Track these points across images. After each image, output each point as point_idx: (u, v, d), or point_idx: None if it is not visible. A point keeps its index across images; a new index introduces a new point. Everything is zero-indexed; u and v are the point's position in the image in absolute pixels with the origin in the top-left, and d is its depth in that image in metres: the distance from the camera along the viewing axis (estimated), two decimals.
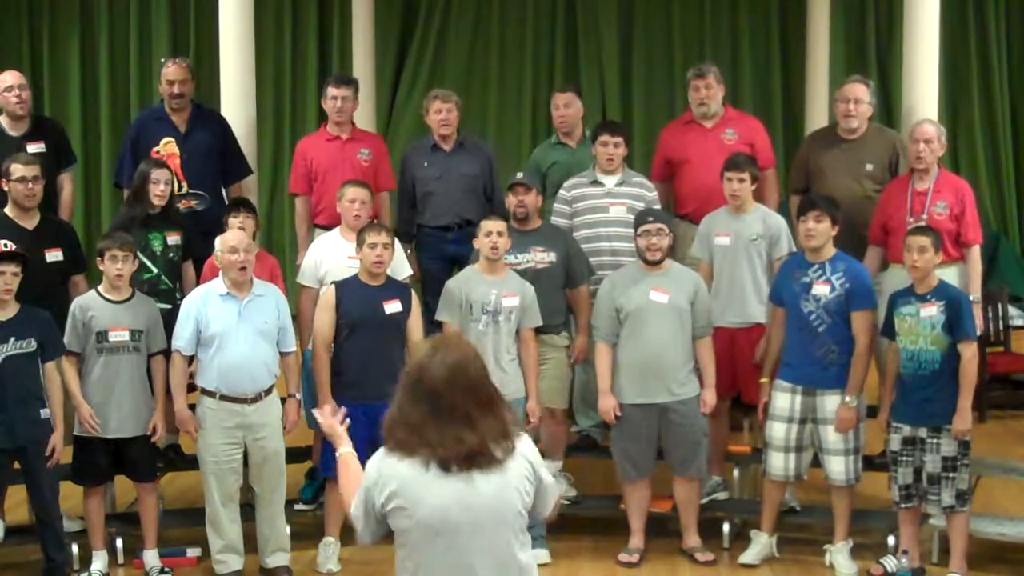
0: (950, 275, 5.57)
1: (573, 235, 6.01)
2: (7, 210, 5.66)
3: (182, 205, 6.13)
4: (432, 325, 5.69)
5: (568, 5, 11.31)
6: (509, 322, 5.55)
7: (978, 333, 5.41)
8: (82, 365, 5.30)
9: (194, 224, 6.04)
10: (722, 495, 5.97)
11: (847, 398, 5.32)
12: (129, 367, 5.31)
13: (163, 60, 6.63)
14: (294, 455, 5.66)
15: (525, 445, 3.02)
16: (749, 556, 5.53)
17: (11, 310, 5.11)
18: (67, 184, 6.42)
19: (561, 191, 6.19)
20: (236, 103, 6.83)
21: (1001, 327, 7.92)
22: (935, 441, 5.14)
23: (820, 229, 5.35)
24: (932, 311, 5.13)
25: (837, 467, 5.38)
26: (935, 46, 6.80)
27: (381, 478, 2.95)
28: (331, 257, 5.75)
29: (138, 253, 5.48)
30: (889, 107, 10.26)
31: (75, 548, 5.47)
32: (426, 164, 6.40)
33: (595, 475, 6.22)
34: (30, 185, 5.58)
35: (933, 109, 6.64)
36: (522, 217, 5.80)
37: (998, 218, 11.13)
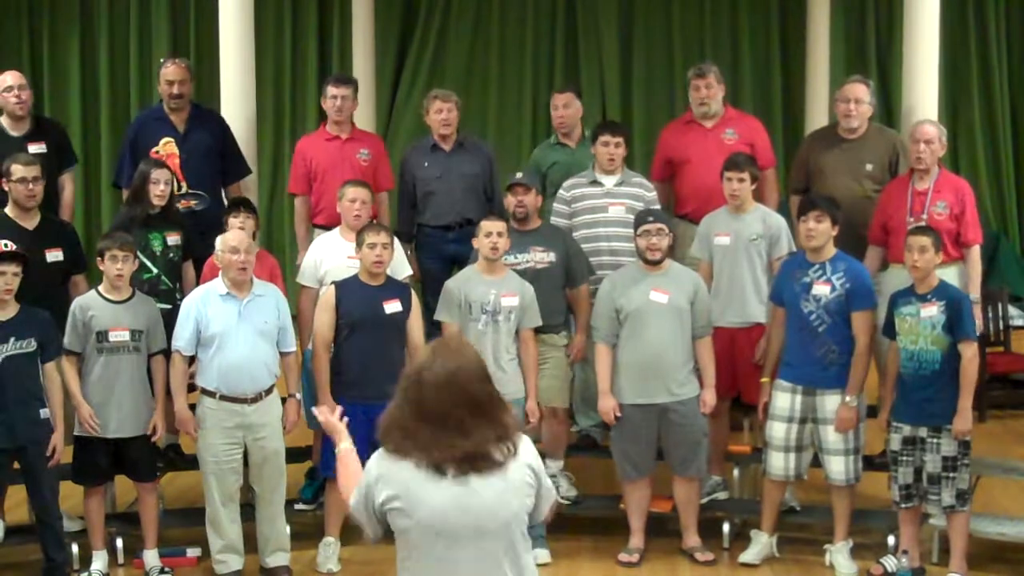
0: (950, 275, 5.57)
1: (572, 235, 6.01)
2: (7, 210, 5.66)
3: (181, 205, 6.13)
4: (432, 325, 5.69)
5: (568, 5, 11.32)
6: (508, 322, 5.56)
7: (977, 333, 5.41)
8: (82, 365, 5.30)
9: (193, 224, 6.04)
10: (722, 495, 5.97)
11: (847, 398, 5.32)
12: (129, 367, 5.31)
13: (162, 60, 6.63)
14: (294, 455, 5.67)
15: (527, 449, 3.01)
16: (749, 556, 5.54)
17: (11, 310, 5.11)
18: (68, 185, 6.42)
19: (560, 191, 6.19)
20: (236, 103, 6.83)
21: (1001, 327, 7.92)
22: (935, 441, 5.14)
23: (820, 229, 5.35)
24: (933, 311, 5.13)
25: (837, 467, 5.38)
26: (935, 46, 6.80)
27: (381, 478, 2.95)
28: (331, 257, 5.75)
29: (138, 253, 5.48)
30: (889, 107, 10.26)
31: (75, 548, 5.47)
32: (426, 164, 6.40)
33: (595, 475, 6.21)
34: (30, 186, 5.58)
35: (933, 109, 6.64)
36: (522, 217, 5.80)
37: (998, 218, 11.13)
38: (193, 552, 5.64)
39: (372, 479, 2.98)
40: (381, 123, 10.58)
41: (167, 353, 5.36)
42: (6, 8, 11.25)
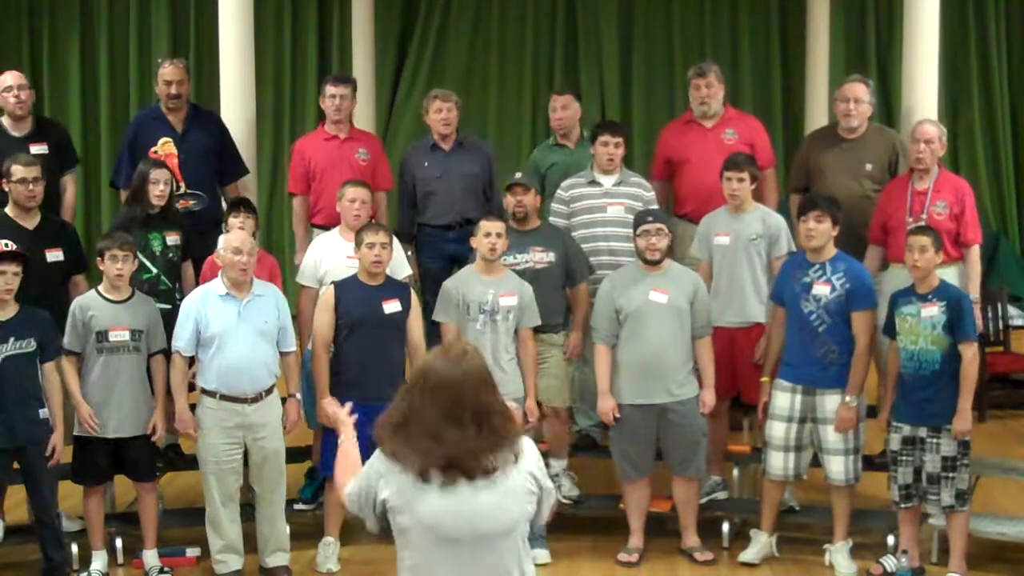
0: (950, 275, 5.57)
1: (571, 235, 6.01)
2: (7, 210, 5.66)
3: (180, 205, 6.13)
4: (432, 325, 5.69)
5: (568, 5, 11.32)
6: (507, 322, 5.56)
7: (977, 333, 5.41)
8: (82, 365, 5.30)
9: (192, 224, 6.04)
10: (721, 495, 5.97)
11: (847, 398, 5.32)
12: (129, 367, 5.31)
13: (159, 60, 6.63)
14: (294, 455, 5.66)
15: (529, 455, 3.00)
16: (749, 555, 5.54)
17: (11, 310, 5.11)
18: (70, 186, 6.42)
19: (559, 191, 6.19)
20: (236, 103, 6.83)
21: (1001, 327, 7.92)
22: (935, 441, 5.14)
23: (821, 229, 5.35)
24: (933, 311, 5.13)
25: (837, 467, 5.38)
26: (935, 46, 6.80)
27: (383, 476, 2.95)
28: (330, 257, 5.75)
29: (138, 253, 5.48)
30: (889, 107, 10.26)
31: (75, 548, 5.47)
32: (426, 164, 6.40)
33: (594, 475, 6.21)
34: (31, 187, 5.58)
35: (933, 109, 6.64)
36: (521, 217, 5.81)
37: (998, 218, 11.13)
38: (193, 552, 5.64)
39: (375, 475, 2.97)
40: (381, 123, 10.58)
41: (167, 353, 5.36)
42: (6, 8, 11.26)
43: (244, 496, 5.49)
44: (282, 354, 5.36)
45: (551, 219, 6.14)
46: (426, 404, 2.90)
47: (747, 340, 5.81)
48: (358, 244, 5.41)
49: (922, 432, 5.17)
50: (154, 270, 5.76)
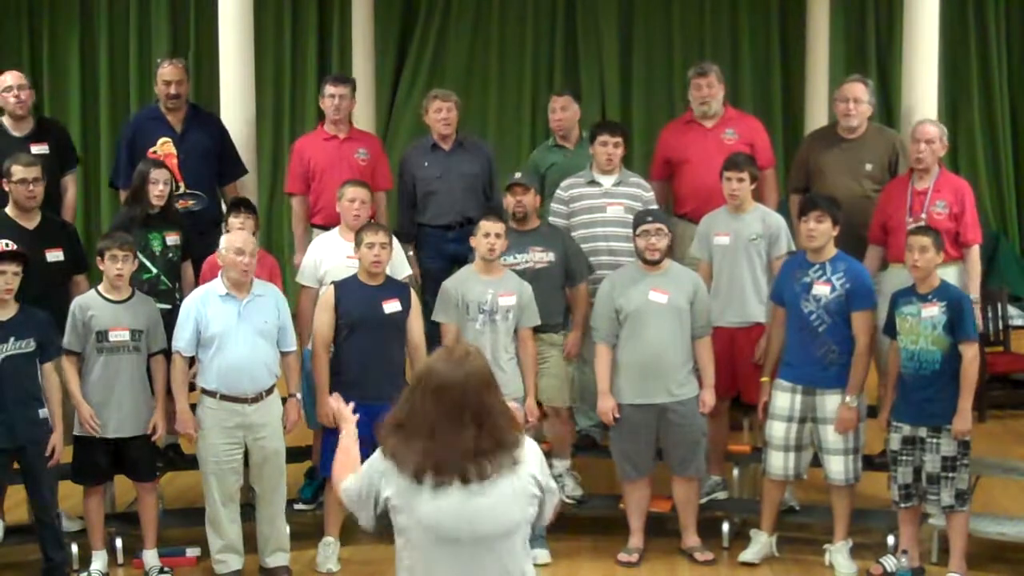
0: (950, 275, 5.57)
1: (571, 235, 6.01)
2: (8, 210, 5.66)
3: (179, 205, 6.12)
4: (432, 325, 5.69)
5: (568, 5, 11.32)
6: (507, 321, 5.56)
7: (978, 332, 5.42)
8: (82, 365, 5.30)
9: (191, 224, 6.04)
10: (721, 495, 5.97)
11: (847, 398, 5.32)
12: (129, 367, 5.30)
13: (159, 60, 6.62)
14: (294, 455, 5.66)
15: (532, 458, 3.00)
16: (749, 555, 5.54)
17: (11, 310, 5.11)
18: (70, 186, 6.42)
19: (558, 191, 6.18)
20: (236, 103, 6.84)
21: (1001, 327, 7.92)
22: (935, 441, 5.14)
23: (821, 229, 5.35)
24: (934, 311, 5.13)
25: (837, 467, 5.38)
26: (935, 46, 6.80)
27: (384, 474, 2.95)
28: (330, 257, 5.75)
29: (137, 253, 5.48)
30: (889, 107, 10.26)
31: (75, 548, 5.47)
32: (426, 164, 6.40)
33: (594, 475, 6.20)
34: (31, 187, 5.58)
35: (933, 109, 6.64)
36: (521, 217, 5.81)
37: (998, 218, 11.13)
38: (193, 552, 5.64)
39: (376, 473, 2.97)
40: (381, 123, 10.59)
41: (167, 353, 5.36)
42: (6, 8, 11.26)
43: (244, 496, 5.49)
44: (282, 354, 5.36)
45: (550, 219, 6.14)
46: (428, 405, 2.90)
47: (747, 340, 5.81)
48: (358, 244, 5.41)
49: (922, 432, 5.17)
50: (154, 270, 5.76)
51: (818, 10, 10.03)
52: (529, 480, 2.97)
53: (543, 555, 5.46)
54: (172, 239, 5.81)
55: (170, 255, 5.82)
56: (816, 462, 5.52)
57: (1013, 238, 11.08)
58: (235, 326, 5.19)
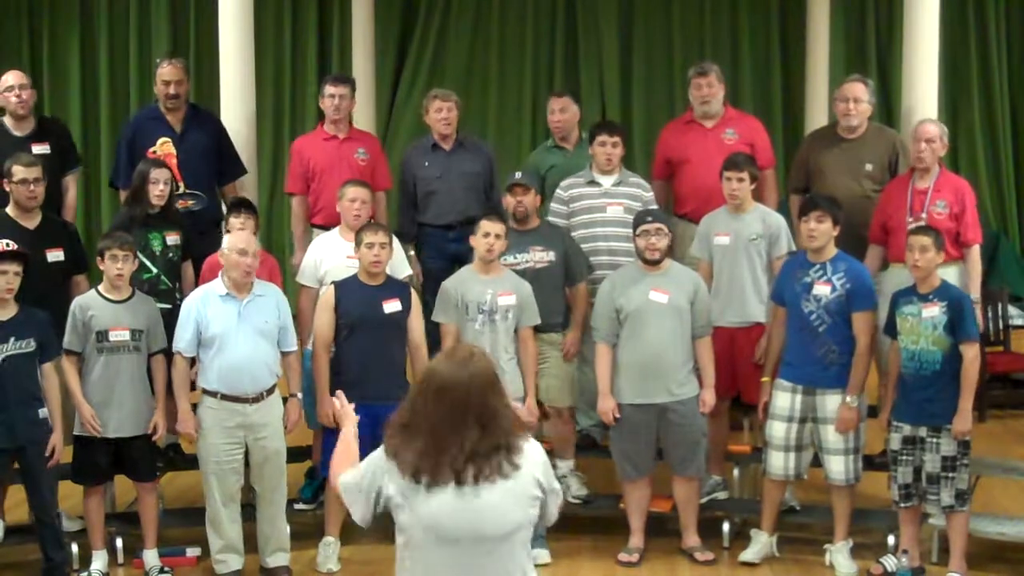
0: (950, 274, 5.57)
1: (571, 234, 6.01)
2: (8, 210, 5.65)
3: (179, 205, 6.12)
4: (433, 325, 5.68)
5: (568, 5, 11.32)
6: (506, 321, 5.56)
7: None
8: (82, 365, 5.30)
9: (191, 224, 6.04)
10: (722, 495, 5.97)
11: (848, 399, 5.32)
12: (129, 367, 5.30)
13: (158, 60, 6.62)
14: (294, 455, 5.66)
15: (535, 460, 2.99)
16: (749, 555, 5.54)
17: (11, 310, 5.11)
18: (72, 187, 6.41)
19: (558, 191, 6.18)
20: (236, 102, 6.83)
21: (1001, 327, 7.92)
22: (935, 441, 5.14)
23: (822, 229, 5.35)
24: (934, 311, 5.13)
25: (837, 467, 5.38)
26: (935, 46, 6.80)
27: (386, 473, 2.95)
28: (331, 257, 5.75)
29: (138, 253, 5.48)
30: (889, 107, 10.26)
31: (75, 548, 5.47)
32: (427, 164, 6.40)
33: (595, 475, 6.20)
34: (31, 187, 5.57)
35: (933, 109, 6.64)
36: (521, 218, 5.81)
37: (998, 218, 11.13)
38: (193, 552, 5.64)
39: (379, 470, 2.97)
40: (381, 123, 10.58)
41: (167, 352, 5.36)
42: (6, 8, 11.25)
43: (244, 496, 5.49)
44: (283, 354, 5.36)
45: (550, 219, 6.13)
46: (431, 406, 2.91)
47: (747, 340, 5.81)
48: (358, 244, 5.41)
49: (922, 432, 5.17)
50: (154, 270, 5.76)
51: (818, 10, 10.02)
52: (531, 482, 2.97)
53: (543, 555, 5.46)
54: (172, 239, 5.81)
55: (170, 255, 5.82)
56: (816, 462, 5.52)
57: (1013, 238, 11.08)
58: (235, 326, 5.19)
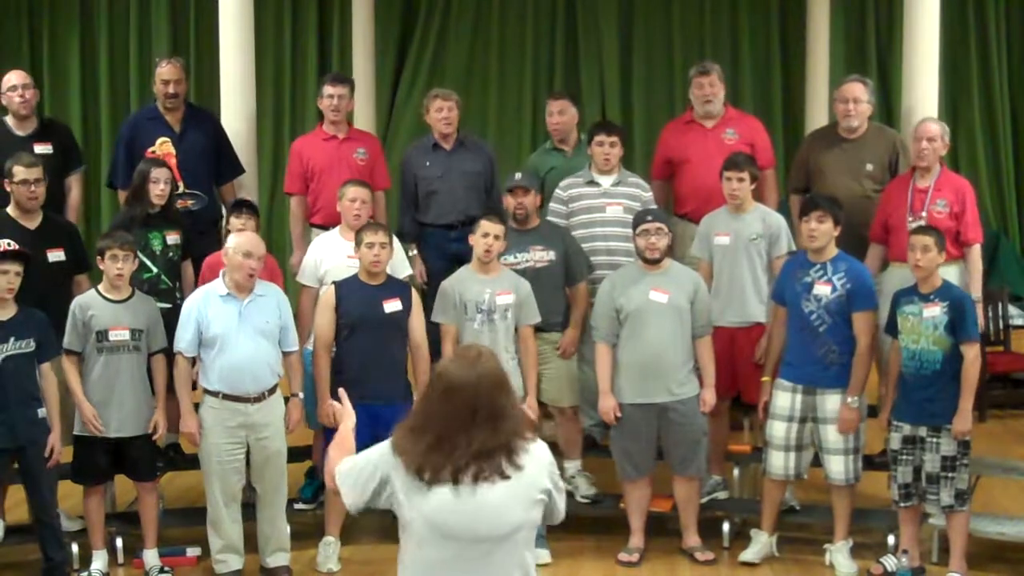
0: (950, 274, 5.56)
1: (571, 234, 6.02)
2: (9, 210, 5.65)
3: (179, 205, 6.12)
4: (434, 325, 5.68)
5: (568, 5, 11.32)
6: (505, 320, 5.56)
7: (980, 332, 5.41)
8: (82, 365, 5.30)
9: (191, 224, 6.04)
10: (722, 494, 5.97)
11: (849, 399, 5.32)
12: (129, 366, 5.30)
13: (157, 60, 6.62)
14: (294, 455, 5.66)
15: (540, 460, 2.99)
16: (749, 555, 5.54)
17: (11, 310, 5.10)
18: (75, 187, 6.41)
19: (557, 191, 6.17)
20: (236, 102, 6.83)
21: (1001, 327, 7.92)
22: (935, 440, 5.14)
23: (822, 230, 5.35)
24: (935, 311, 5.13)
25: (837, 467, 5.38)
26: (935, 46, 6.79)
27: (393, 469, 2.95)
28: (331, 257, 5.75)
29: (138, 252, 5.48)
30: (889, 107, 10.27)
31: (75, 547, 5.47)
32: (428, 163, 6.39)
33: (595, 474, 6.20)
34: (32, 188, 5.57)
35: (933, 109, 6.63)
36: (521, 219, 5.81)
37: (998, 218, 11.13)
38: (193, 552, 5.63)
39: (384, 463, 2.97)
40: (381, 123, 10.58)
41: (167, 352, 5.35)
42: (6, 8, 11.25)
43: (244, 496, 5.49)
44: (284, 354, 5.36)
45: (549, 219, 6.13)
46: (439, 406, 2.91)
47: (747, 340, 5.81)
48: (358, 244, 5.41)
49: (922, 432, 5.17)
50: (154, 269, 5.76)
51: (818, 10, 10.02)
52: (535, 483, 2.97)
53: (544, 555, 5.45)
54: (172, 238, 5.81)
55: (170, 254, 5.82)
56: (816, 462, 5.52)
57: (1013, 237, 11.09)
58: (236, 326, 5.19)
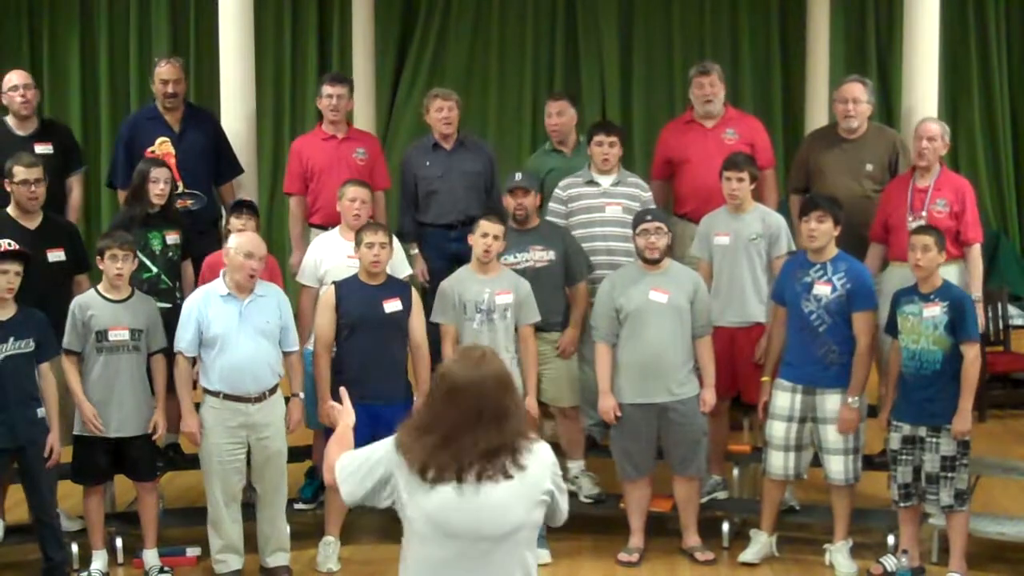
0: (950, 273, 5.56)
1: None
2: (9, 210, 5.65)
3: (178, 205, 6.12)
4: (434, 325, 5.68)
5: (568, 5, 11.32)
6: (505, 320, 5.56)
7: (980, 332, 5.41)
8: (82, 365, 5.30)
9: (191, 224, 6.04)
10: (722, 494, 5.97)
11: (849, 399, 5.32)
12: (129, 366, 5.30)
13: (156, 59, 6.61)
14: (294, 455, 5.66)
15: (544, 461, 2.99)
16: (749, 555, 5.54)
17: (10, 310, 5.10)
18: (76, 187, 6.41)
19: (556, 191, 6.17)
20: (236, 102, 6.83)
21: (1001, 327, 7.92)
22: (935, 440, 5.14)
23: (823, 230, 5.35)
24: (935, 311, 5.13)
25: (837, 467, 5.38)
26: (935, 46, 6.79)
27: (397, 467, 2.96)
28: (331, 256, 5.75)
29: (137, 252, 5.48)
30: (889, 107, 10.27)
31: (75, 547, 5.47)
32: (428, 163, 6.39)
33: (595, 474, 6.20)
34: (32, 188, 5.56)
35: (933, 109, 6.63)
36: (522, 219, 5.82)
37: (998, 218, 11.13)
38: (193, 552, 5.63)
39: (386, 460, 2.97)
40: (381, 123, 10.58)
41: (167, 352, 5.35)
42: (6, 8, 11.26)
43: (244, 496, 5.49)
44: (285, 354, 5.36)
45: (548, 219, 6.13)
46: (443, 406, 2.92)
47: (747, 340, 5.81)
48: (357, 244, 5.41)
49: (922, 431, 5.17)
50: (154, 269, 5.76)
51: (818, 10, 10.01)
52: (538, 484, 2.97)
53: (544, 555, 5.45)
54: (172, 238, 5.81)
55: (170, 254, 5.82)
56: (816, 462, 5.52)
57: (1013, 237, 11.09)
58: (236, 326, 5.19)
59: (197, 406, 5.30)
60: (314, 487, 5.91)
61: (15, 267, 5.06)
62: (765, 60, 11.20)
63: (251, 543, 5.42)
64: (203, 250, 5.93)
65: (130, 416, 5.29)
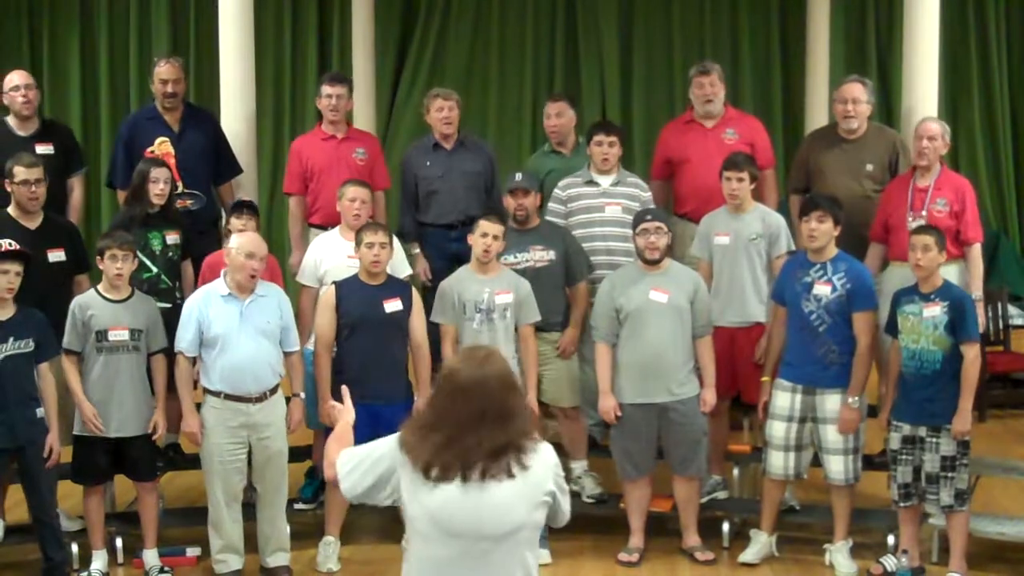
0: (950, 273, 5.56)
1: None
2: (10, 210, 5.65)
3: (178, 205, 6.12)
4: (434, 325, 5.68)
5: (568, 5, 11.32)
6: (504, 320, 5.56)
7: (981, 331, 5.41)
8: (82, 364, 5.30)
9: (191, 224, 6.04)
10: (722, 494, 5.97)
11: (849, 399, 5.32)
12: (129, 366, 5.30)
13: (155, 59, 6.61)
14: (294, 454, 5.66)
15: (545, 460, 3.00)
16: (749, 555, 5.54)
17: (10, 310, 5.10)
18: (77, 188, 6.41)
19: (556, 191, 6.17)
20: (236, 102, 6.83)
21: (1001, 326, 7.92)
22: (935, 440, 5.14)
23: (823, 230, 5.35)
24: (936, 311, 5.13)
25: (837, 467, 5.38)
26: (935, 46, 6.80)
27: (400, 466, 2.96)
28: (331, 256, 5.76)
29: (137, 252, 5.48)
30: (889, 107, 10.27)
31: (75, 547, 5.47)
32: (428, 163, 6.39)
33: (597, 474, 6.21)
34: (33, 188, 5.56)
35: (933, 109, 6.63)
36: (522, 220, 5.82)
37: (998, 218, 11.13)
38: (193, 552, 5.64)
39: (389, 458, 2.98)
40: (381, 123, 10.58)
41: (167, 352, 5.35)
42: (6, 8, 11.26)
43: (245, 495, 5.49)
44: (286, 354, 5.36)
45: (547, 219, 6.13)
46: (447, 405, 2.92)
47: (747, 340, 5.81)
48: (357, 244, 5.41)
49: (922, 431, 5.17)
50: (154, 269, 5.76)
51: (818, 10, 10.02)
52: (541, 484, 2.97)
53: (544, 555, 5.45)
54: (172, 238, 5.81)
55: (170, 254, 5.82)
56: (816, 462, 5.52)
57: (1013, 237, 11.09)
58: (237, 326, 5.19)
59: (198, 406, 5.30)
60: (314, 487, 5.91)
61: (15, 267, 5.06)
62: (765, 60, 11.20)
63: (251, 543, 5.42)
64: (203, 250, 5.93)
65: (130, 416, 5.30)
